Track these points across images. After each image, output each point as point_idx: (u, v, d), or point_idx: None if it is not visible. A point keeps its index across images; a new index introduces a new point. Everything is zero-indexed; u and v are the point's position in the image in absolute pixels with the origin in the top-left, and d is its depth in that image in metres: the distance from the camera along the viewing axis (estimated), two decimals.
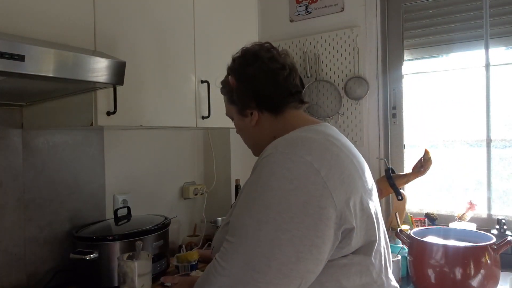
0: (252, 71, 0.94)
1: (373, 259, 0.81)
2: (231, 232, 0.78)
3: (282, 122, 0.95)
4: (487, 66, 1.83)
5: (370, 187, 0.85)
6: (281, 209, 0.72)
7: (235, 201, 0.92)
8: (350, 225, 0.75)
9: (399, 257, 1.49)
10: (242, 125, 1.00)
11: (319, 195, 0.72)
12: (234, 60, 0.99)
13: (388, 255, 0.90)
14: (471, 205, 1.74)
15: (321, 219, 0.72)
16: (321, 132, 0.86)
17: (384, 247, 0.87)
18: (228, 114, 1.04)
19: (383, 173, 1.86)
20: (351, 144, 0.91)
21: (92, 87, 1.20)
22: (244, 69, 0.95)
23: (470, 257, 1.29)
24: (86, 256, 1.38)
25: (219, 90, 1.06)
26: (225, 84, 1.02)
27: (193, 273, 1.48)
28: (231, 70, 0.99)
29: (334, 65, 2.05)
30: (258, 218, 0.73)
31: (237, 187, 2.10)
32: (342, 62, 2.04)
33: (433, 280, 1.34)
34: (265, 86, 0.94)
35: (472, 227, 1.65)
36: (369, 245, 0.80)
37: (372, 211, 0.81)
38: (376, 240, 0.81)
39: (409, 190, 1.95)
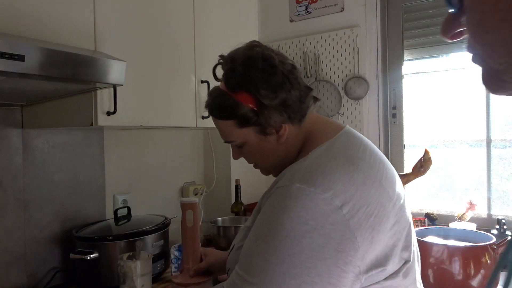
0: (278, 80, 0.81)
1: (407, 279, 0.75)
2: (241, 265, 0.73)
3: (304, 131, 0.85)
4: None
5: (402, 202, 0.76)
6: (292, 253, 0.66)
7: (249, 223, 0.87)
8: (379, 265, 0.69)
9: None
10: (261, 147, 0.85)
11: (339, 236, 0.65)
12: (243, 74, 0.81)
13: (419, 264, 0.84)
14: (471, 205, 1.74)
15: (338, 264, 0.65)
16: (344, 150, 0.76)
17: (416, 258, 0.82)
18: (233, 139, 0.87)
19: None
20: (376, 148, 0.84)
21: (92, 87, 1.20)
22: (268, 81, 0.80)
23: (470, 257, 1.29)
24: (86, 256, 1.38)
25: (212, 114, 0.90)
26: (227, 108, 0.84)
27: None
28: (241, 86, 0.81)
29: (334, 65, 2.05)
30: (267, 258, 0.68)
31: (237, 187, 2.10)
32: (342, 62, 2.04)
33: (432, 280, 1.34)
34: (291, 93, 0.81)
35: (472, 227, 1.65)
36: (403, 267, 0.74)
37: (405, 230, 0.74)
38: (410, 260, 0.75)
39: (409, 190, 1.95)
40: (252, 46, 0.85)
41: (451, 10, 0.38)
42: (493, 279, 0.53)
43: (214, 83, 1.67)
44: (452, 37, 0.39)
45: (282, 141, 0.83)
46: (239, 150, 0.90)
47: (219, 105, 0.85)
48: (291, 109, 0.82)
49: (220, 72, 0.90)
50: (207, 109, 0.90)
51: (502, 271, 0.53)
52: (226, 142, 0.90)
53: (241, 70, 0.82)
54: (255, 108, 0.80)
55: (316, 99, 0.88)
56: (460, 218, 1.74)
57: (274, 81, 0.80)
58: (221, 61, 0.88)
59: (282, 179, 0.75)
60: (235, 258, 0.81)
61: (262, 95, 0.79)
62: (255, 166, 0.93)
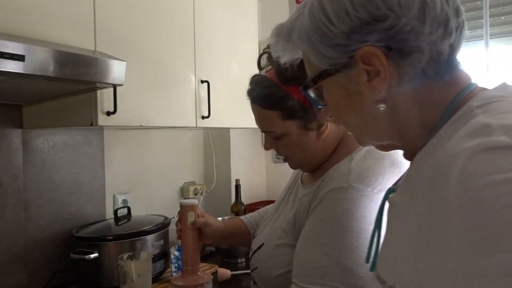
0: None
1: None
2: (306, 277, 0.72)
3: (342, 131, 0.86)
4: (487, 65, 1.83)
5: None
6: (364, 252, 0.66)
7: (283, 224, 0.87)
8: None
9: None
10: (300, 141, 0.85)
11: None
12: (299, 69, 0.75)
13: None
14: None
15: None
16: (385, 152, 0.78)
17: None
18: (273, 130, 0.86)
19: None
20: None
21: (92, 87, 1.20)
22: None
23: None
24: (86, 256, 1.38)
25: (257, 103, 0.86)
26: (276, 98, 0.83)
27: None
28: (295, 80, 0.79)
29: None
30: (341, 262, 0.69)
31: (237, 187, 2.10)
32: None
33: None
34: None
35: None
36: None
37: None
38: None
39: None
40: None
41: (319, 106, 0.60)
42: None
43: (214, 83, 1.68)
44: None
45: (322, 138, 0.84)
46: (275, 141, 0.88)
47: (268, 95, 0.84)
48: None
49: (264, 61, 0.89)
50: (249, 96, 0.89)
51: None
52: (264, 131, 0.89)
53: (297, 63, 0.78)
54: (304, 103, 0.80)
55: None
56: None
57: None
58: (268, 50, 0.85)
59: (331, 182, 0.76)
60: (263, 258, 0.83)
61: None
62: (285, 160, 0.92)
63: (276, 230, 0.88)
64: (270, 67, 0.86)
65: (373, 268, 0.57)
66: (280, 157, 0.94)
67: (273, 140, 0.88)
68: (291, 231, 0.84)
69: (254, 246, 0.95)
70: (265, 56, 0.88)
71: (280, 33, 0.61)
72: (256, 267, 0.90)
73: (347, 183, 0.73)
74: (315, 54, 0.54)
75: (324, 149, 0.86)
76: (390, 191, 0.55)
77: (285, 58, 0.65)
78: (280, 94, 0.82)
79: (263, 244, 0.90)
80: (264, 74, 0.88)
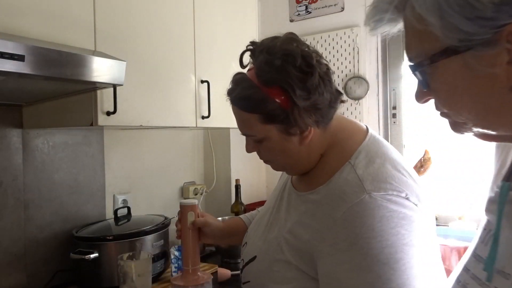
0: (313, 82, 0.76)
1: None
2: None
3: (329, 135, 0.82)
4: None
5: None
6: (411, 264, 0.65)
7: (288, 235, 0.80)
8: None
9: None
10: (282, 146, 0.81)
11: (426, 227, 0.70)
12: (280, 70, 0.75)
13: None
14: (471, 205, 1.74)
15: (434, 248, 0.71)
16: (384, 156, 0.77)
17: None
18: (253, 134, 0.82)
19: None
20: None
21: (92, 87, 1.20)
22: (305, 81, 0.75)
23: None
24: (86, 256, 1.38)
25: (236, 105, 0.82)
26: (255, 101, 0.78)
27: None
28: (276, 81, 0.76)
29: (334, 65, 2.05)
30: (387, 277, 0.63)
31: (237, 187, 2.10)
32: (342, 62, 2.04)
33: None
34: (323, 96, 0.77)
35: (472, 227, 1.65)
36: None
37: None
38: None
39: None
40: (291, 40, 0.80)
41: (422, 88, 0.53)
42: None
43: (214, 83, 1.68)
44: (424, 102, 0.55)
45: (305, 143, 0.79)
46: (256, 145, 0.84)
47: (247, 97, 0.79)
48: (320, 113, 0.78)
49: (246, 59, 0.84)
50: (229, 97, 0.83)
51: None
52: (244, 134, 0.85)
53: (279, 64, 0.75)
54: (285, 107, 0.76)
55: (342, 101, 0.84)
56: (460, 218, 1.74)
57: (310, 82, 0.75)
58: (251, 47, 0.82)
59: (344, 196, 0.70)
60: (256, 273, 0.79)
61: (296, 95, 0.74)
62: (267, 162, 0.88)
63: (271, 244, 0.82)
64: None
65: (489, 267, 0.52)
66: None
67: (254, 143, 0.84)
68: (288, 249, 0.78)
69: (245, 257, 0.90)
70: (247, 53, 0.83)
71: (393, 1, 0.52)
72: (248, 281, 0.85)
73: (365, 193, 0.68)
74: (444, 27, 0.45)
75: (309, 155, 0.82)
76: (508, 187, 0.52)
77: (380, 30, 0.59)
78: (260, 97, 0.77)
79: (255, 256, 0.85)
80: (245, 73, 0.83)
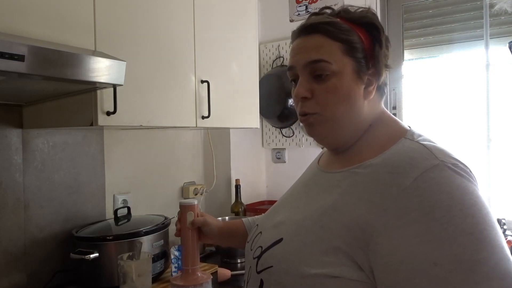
0: (385, 40, 0.77)
1: None
2: None
3: (380, 109, 0.80)
4: (487, 65, 1.83)
5: None
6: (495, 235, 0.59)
7: (307, 217, 0.73)
8: None
9: None
10: (349, 88, 0.74)
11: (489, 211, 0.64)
12: (365, 15, 0.77)
13: None
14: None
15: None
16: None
17: None
18: (329, 60, 0.73)
19: None
20: None
21: (92, 87, 1.20)
22: (380, 34, 0.77)
23: None
24: (86, 256, 1.38)
25: (319, 30, 0.75)
26: (341, 29, 0.75)
27: None
28: (361, 22, 0.76)
29: None
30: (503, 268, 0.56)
31: (237, 187, 2.10)
32: None
33: None
34: (387, 56, 0.78)
35: None
36: None
37: None
38: None
39: None
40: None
41: None
42: None
43: (214, 83, 1.68)
44: None
45: (369, 98, 0.75)
46: (313, 85, 0.75)
47: (334, 23, 0.75)
48: (384, 70, 0.77)
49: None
50: (305, 27, 0.77)
51: None
52: (314, 62, 0.74)
53: (367, 10, 0.78)
54: (367, 46, 0.75)
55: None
56: None
57: (385, 37, 0.77)
58: (327, 11, 0.80)
59: (412, 161, 0.64)
60: (285, 255, 0.70)
61: (378, 36, 0.76)
62: (310, 118, 0.76)
63: (303, 224, 0.73)
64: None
65: None
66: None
67: (312, 82, 0.75)
68: (330, 228, 0.68)
69: (263, 243, 0.78)
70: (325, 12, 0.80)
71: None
72: (270, 266, 0.73)
73: (439, 160, 0.62)
74: None
75: (364, 119, 0.76)
76: None
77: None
78: (346, 27, 0.75)
79: (281, 239, 0.74)
80: None
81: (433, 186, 0.60)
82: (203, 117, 1.65)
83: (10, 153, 1.43)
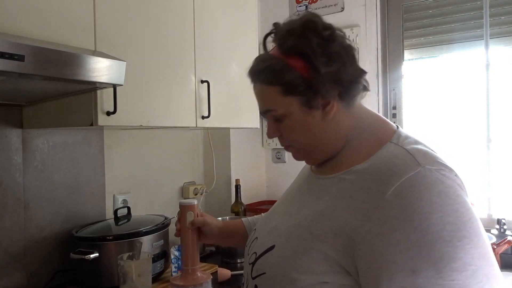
0: (336, 49, 0.73)
1: None
2: None
3: (353, 116, 0.78)
4: (487, 65, 1.83)
5: None
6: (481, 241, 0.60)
7: (304, 221, 0.74)
8: None
9: None
10: (305, 122, 0.76)
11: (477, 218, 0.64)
12: (301, 36, 0.73)
13: None
14: (471, 205, 1.74)
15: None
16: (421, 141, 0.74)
17: None
18: (273, 108, 0.77)
19: None
20: None
21: (92, 87, 1.20)
22: (325, 48, 0.72)
23: None
24: (86, 256, 1.38)
25: (256, 79, 0.79)
26: (274, 71, 0.75)
27: None
28: (296, 49, 0.73)
29: None
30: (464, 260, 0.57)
31: (237, 187, 2.10)
32: None
33: None
34: (346, 67, 0.73)
35: None
36: None
37: None
38: None
39: None
40: (312, 14, 0.78)
41: None
42: None
43: (214, 83, 1.68)
44: None
45: (329, 118, 0.74)
46: (277, 126, 0.79)
47: (266, 68, 0.76)
48: (343, 85, 0.73)
49: (269, 46, 0.82)
50: (250, 74, 0.81)
51: None
52: (264, 112, 0.79)
53: (299, 31, 0.74)
54: (306, 75, 0.72)
55: (365, 88, 0.79)
56: None
57: (331, 49, 0.73)
58: (274, 29, 0.80)
59: (394, 167, 0.64)
60: (276, 261, 0.72)
61: (317, 60, 0.71)
62: (288, 148, 0.82)
63: (294, 231, 0.75)
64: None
65: None
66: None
67: (275, 124, 0.79)
68: (319, 234, 0.70)
69: (257, 250, 0.81)
70: (269, 39, 0.81)
71: None
72: (263, 273, 0.76)
73: (420, 166, 0.62)
74: None
75: (334, 133, 0.76)
76: None
77: None
78: (279, 67, 0.74)
79: (273, 246, 0.77)
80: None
81: (414, 193, 0.60)
82: (203, 117, 1.65)
83: (10, 153, 1.43)
